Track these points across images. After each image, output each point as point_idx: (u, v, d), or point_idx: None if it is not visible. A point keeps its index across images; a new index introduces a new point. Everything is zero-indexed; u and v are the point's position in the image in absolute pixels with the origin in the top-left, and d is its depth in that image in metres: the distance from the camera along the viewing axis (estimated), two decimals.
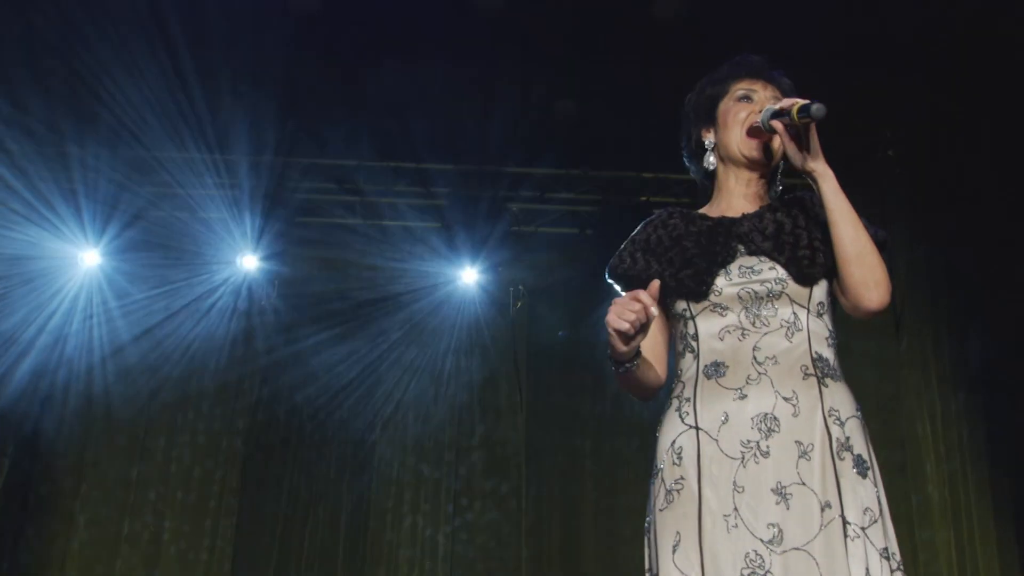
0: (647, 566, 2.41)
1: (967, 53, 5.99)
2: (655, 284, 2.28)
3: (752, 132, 2.54)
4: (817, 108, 2.27)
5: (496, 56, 6.43)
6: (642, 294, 2.23)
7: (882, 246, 2.43)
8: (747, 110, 2.57)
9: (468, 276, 7.65)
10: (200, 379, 7.65)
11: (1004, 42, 5.89)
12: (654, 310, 2.27)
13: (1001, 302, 6.59)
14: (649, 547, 2.39)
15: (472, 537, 7.66)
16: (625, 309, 2.23)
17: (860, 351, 6.80)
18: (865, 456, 2.33)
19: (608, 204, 7.48)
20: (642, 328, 2.27)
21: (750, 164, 2.58)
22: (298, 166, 7.50)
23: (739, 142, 2.56)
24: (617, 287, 2.65)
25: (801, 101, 2.32)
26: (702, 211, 2.65)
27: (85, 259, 7.38)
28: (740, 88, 2.61)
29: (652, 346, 2.56)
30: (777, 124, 2.39)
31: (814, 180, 2.39)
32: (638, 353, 2.40)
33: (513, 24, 6.19)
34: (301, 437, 7.84)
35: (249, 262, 7.52)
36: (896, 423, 7.09)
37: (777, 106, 2.42)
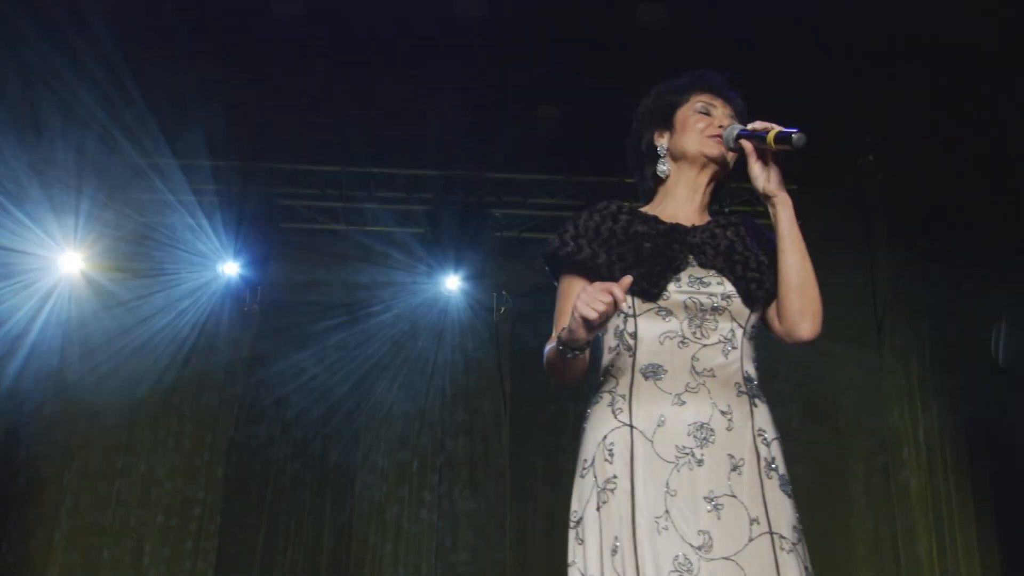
0: (572, 559, 2.39)
1: (947, 58, 6.02)
2: (627, 280, 2.26)
3: (713, 138, 2.57)
4: (799, 138, 2.31)
5: (478, 61, 6.42)
6: (615, 288, 2.22)
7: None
8: (705, 122, 2.61)
9: (451, 282, 7.66)
10: (182, 382, 7.63)
11: (985, 47, 5.93)
12: (624, 305, 2.30)
13: (980, 304, 6.65)
14: (579, 543, 2.37)
15: (457, 541, 7.66)
16: (596, 299, 2.21)
17: (842, 350, 6.86)
18: (788, 477, 2.38)
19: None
20: (607, 319, 2.26)
21: (705, 166, 2.60)
22: (280, 172, 7.49)
23: (699, 142, 2.59)
24: (549, 269, 2.64)
25: (777, 127, 2.37)
26: (648, 210, 2.66)
27: (64, 263, 7.34)
28: (699, 100, 2.64)
29: None
30: (746, 144, 2.44)
31: (773, 205, 2.44)
32: (589, 342, 2.37)
33: (495, 29, 6.20)
34: (283, 446, 7.82)
35: (230, 269, 7.49)
36: (877, 420, 7.13)
37: (749, 127, 2.46)
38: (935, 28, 5.94)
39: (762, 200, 2.48)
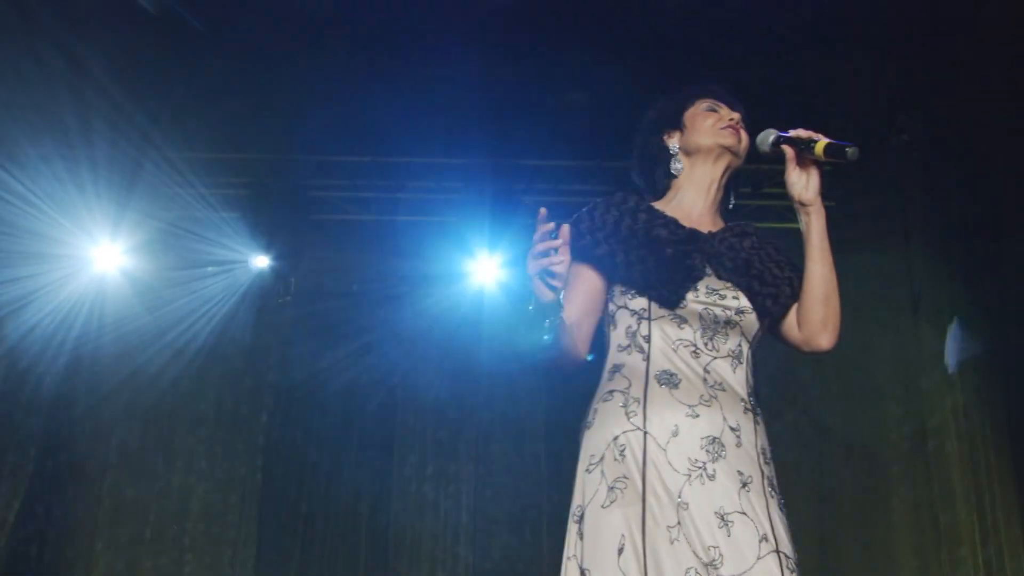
0: (571, 553, 2.40)
1: (983, 35, 5.94)
2: (565, 228, 2.28)
3: (725, 128, 2.60)
4: (853, 152, 2.33)
5: (507, 48, 6.40)
6: (559, 245, 2.23)
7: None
8: (715, 117, 2.64)
9: (484, 271, 7.64)
10: (217, 374, 7.68)
11: (1020, 23, 5.85)
12: (637, 304, 2.35)
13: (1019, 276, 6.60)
14: (582, 539, 2.38)
15: (491, 531, 7.67)
16: (544, 261, 2.22)
17: (878, 338, 6.80)
18: (783, 497, 2.41)
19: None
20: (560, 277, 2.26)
21: (720, 156, 2.62)
22: (310, 163, 7.50)
23: (714, 134, 2.62)
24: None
25: (826, 138, 2.38)
26: (663, 208, 2.65)
27: (98, 259, 7.41)
28: (706, 103, 2.68)
29: (582, 315, 2.54)
30: (788, 149, 2.45)
31: (807, 213, 2.48)
32: (560, 305, 2.33)
33: (524, 15, 6.17)
34: (319, 428, 7.85)
35: (261, 262, 7.51)
36: (917, 412, 7.07)
37: (791, 133, 2.46)
38: (970, 4, 5.87)
39: (795, 207, 2.50)
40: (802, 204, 2.47)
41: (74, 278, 7.33)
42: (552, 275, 2.25)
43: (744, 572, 2.22)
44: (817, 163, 2.42)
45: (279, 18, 6.19)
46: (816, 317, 2.47)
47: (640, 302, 2.49)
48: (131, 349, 7.47)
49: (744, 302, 2.48)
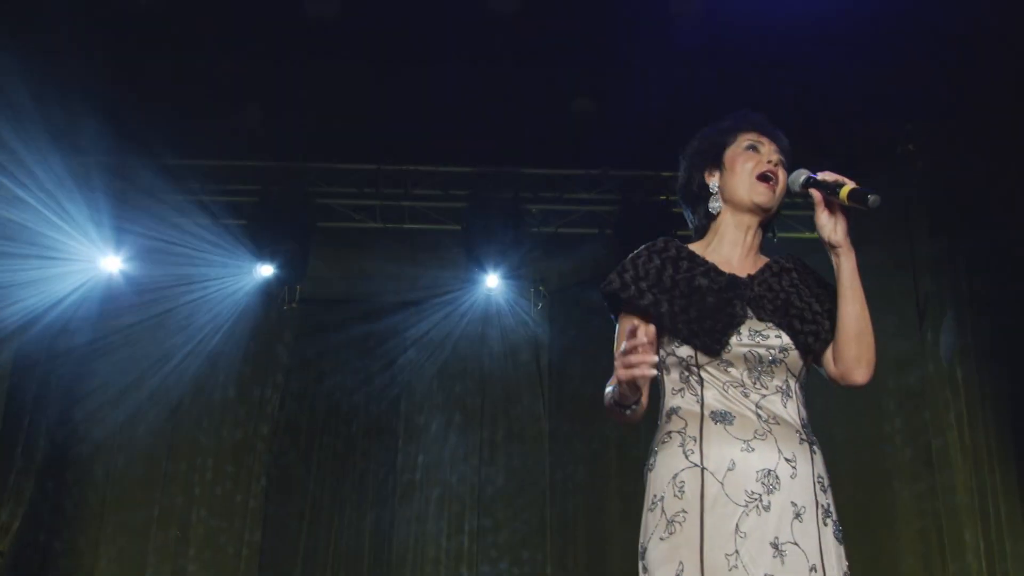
0: None
1: (989, 45, 5.95)
2: (651, 330, 2.36)
3: (762, 178, 2.64)
4: (874, 199, 2.38)
5: (512, 56, 6.42)
6: (646, 356, 2.31)
7: None
8: (754, 160, 2.67)
9: (490, 279, 7.64)
10: (222, 388, 7.69)
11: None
12: (653, 370, 2.34)
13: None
14: (645, 572, 2.46)
15: (498, 533, 7.67)
16: (632, 366, 2.31)
17: (883, 345, 6.78)
18: (839, 523, 2.48)
19: (628, 204, 7.45)
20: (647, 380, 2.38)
21: (755, 210, 2.67)
22: (316, 171, 7.52)
23: (749, 188, 2.66)
24: (608, 305, 2.72)
25: (851, 183, 2.44)
26: (701, 252, 2.71)
27: (104, 265, 7.43)
28: (747, 139, 2.70)
29: None
30: (815, 193, 2.51)
31: (837, 255, 2.52)
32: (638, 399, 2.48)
33: (529, 24, 6.19)
34: (325, 436, 7.86)
35: (266, 269, 7.52)
36: (921, 416, 7.07)
37: (819, 175, 2.51)
38: (976, 14, 5.87)
39: (826, 248, 2.55)
40: (831, 246, 2.52)
41: (78, 286, 7.34)
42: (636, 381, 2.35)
43: None
44: (843, 207, 2.47)
45: (286, 25, 6.21)
46: (851, 355, 2.53)
47: (686, 350, 2.56)
48: (136, 355, 7.48)
49: (786, 340, 2.55)
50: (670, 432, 2.54)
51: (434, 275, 7.87)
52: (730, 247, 2.70)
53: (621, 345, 2.45)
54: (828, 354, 2.60)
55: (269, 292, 7.71)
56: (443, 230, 7.72)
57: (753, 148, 2.69)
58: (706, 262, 2.67)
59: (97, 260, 7.36)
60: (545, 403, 7.94)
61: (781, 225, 6.57)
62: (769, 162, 2.65)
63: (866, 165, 6.84)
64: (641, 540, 2.49)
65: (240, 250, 7.42)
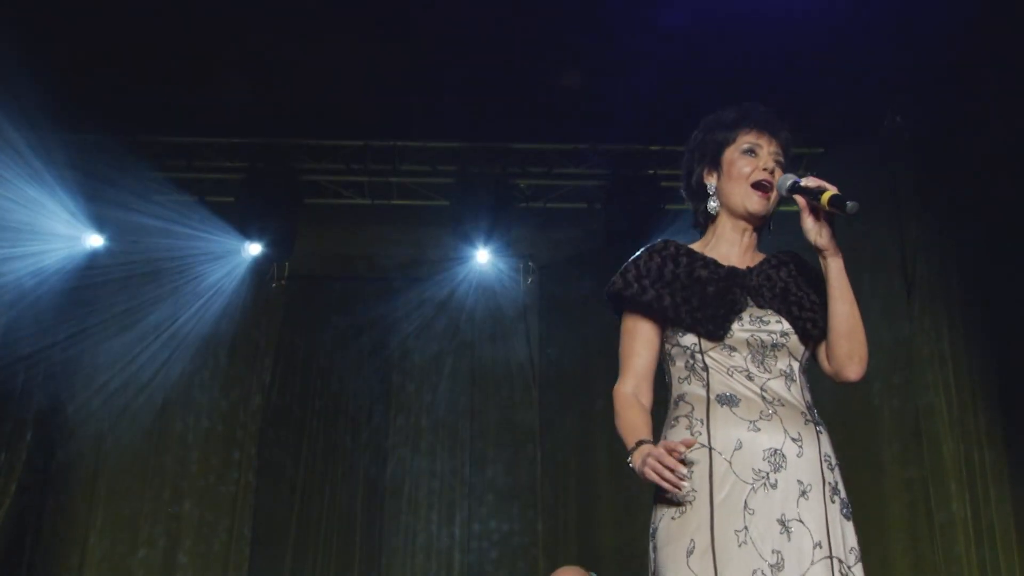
0: (650, 570, 2.55)
1: (979, 17, 5.94)
2: (691, 441, 2.46)
3: (757, 186, 2.70)
4: (852, 206, 2.44)
5: (500, 30, 6.39)
6: (679, 469, 2.37)
7: None
8: (752, 165, 2.71)
9: (479, 254, 7.63)
10: (214, 360, 7.68)
11: (1018, 6, 5.85)
12: (686, 484, 2.43)
13: (1011, 267, 6.63)
14: (655, 552, 2.52)
15: (488, 508, 7.69)
16: (665, 471, 2.37)
17: (871, 319, 6.79)
18: (848, 500, 2.56)
19: (617, 178, 7.44)
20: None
21: (749, 217, 2.74)
22: (303, 147, 7.49)
23: (743, 196, 2.71)
24: (612, 305, 2.80)
25: (831, 188, 2.51)
26: (700, 250, 2.78)
27: (90, 243, 7.41)
28: (746, 141, 2.74)
29: (647, 368, 2.73)
30: (800, 199, 2.58)
31: (824, 257, 2.60)
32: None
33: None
34: (315, 414, 7.86)
35: (254, 247, 7.50)
36: (910, 391, 7.10)
37: (803, 182, 2.59)
38: None
39: (814, 250, 2.63)
40: (817, 249, 2.60)
41: (61, 263, 7.32)
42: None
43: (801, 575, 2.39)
44: (827, 212, 2.53)
45: (273, 2, 6.17)
46: (842, 352, 2.61)
47: (690, 338, 2.64)
48: (124, 335, 7.47)
49: (787, 325, 2.63)
50: (678, 417, 2.62)
51: (423, 251, 7.87)
52: (728, 246, 2.77)
53: (632, 346, 2.68)
54: (822, 350, 2.68)
55: (257, 270, 7.69)
56: (431, 206, 7.70)
57: (751, 152, 2.73)
58: (705, 257, 2.75)
59: (83, 239, 7.33)
60: (535, 378, 7.95)
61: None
62: (765, 169, 2.70)
63: (853, 138, 6.86)
64: (652, 521, 2.57)
65: (227, 228, 7.40)
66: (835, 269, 2.59)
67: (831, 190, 2.50)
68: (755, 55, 5.96)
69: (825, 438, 2.58)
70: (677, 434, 2.57)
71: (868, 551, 2.55)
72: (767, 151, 2.72)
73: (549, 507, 7.71)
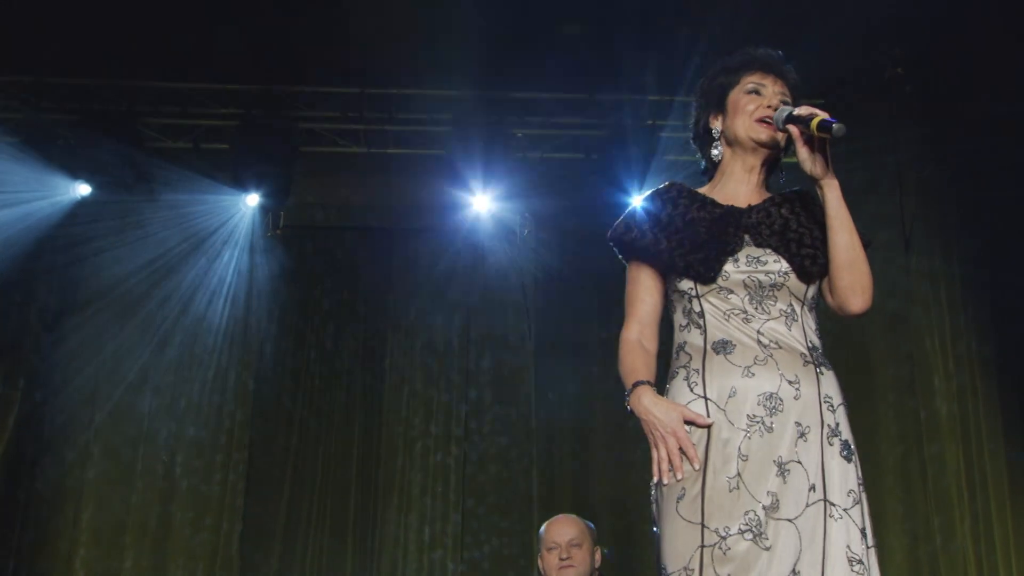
0: (653, 524, 2.58)
1: None
2: (694, 460, 2.47)
3: (761, 121, 2.67)
4: (838, 128, 2.41)
5: None
6: (688, 458, 2.47)
7: (866, 247, 2.62)
8: (755, 103, 2.70)
9: (475, 203, 7.60)
10: (207, 315, 7.66)
11: None
12: (687, 285, 2.58)
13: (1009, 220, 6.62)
14: (655, 505, 2.57)
15: (483, 464, 7.72)
16: (663, 458, 2.50)
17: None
18: (851, 442, 2.53)
19: (615, 128, 7.38)
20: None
21: (755, 149, 2.71)
22: (300, 95, 7.43)
23: (747, 127, 2.69)
24: (616, 250, 2.81)
25: (821, 113, 2.47)
26: (707, 192, 2.77)
27: (78, 190, 7.36)
28: (751, 81, 2.74)
29: (651, 314, 2.75)
30: (793, 128, 2.56)
31: (820, 187, 2.57)
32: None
33: None
34: (309, 368, 7.86)
35: (252, 198, 7.47)
36: (904, 339, 7.12)
37: (796, 111, 2.57)
38: None
39: (810, 182, 2.61)
40: (813, 179, 2.57)
41: (51, 211, 7.29)
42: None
43: (795, 518, 2.41)
44: (821, 139, 2.50)
45: None
46: (844, 283, 2.56)
47: (686, 283, 2.64)
48: (118, 286, 7.45)
49: (784, 265, 2.60)
50: (677, 368, 2.64)
51: (419, 201, 7.83)
52: (735, 185, 2.76)
53: (635, 292, 2.72)
54: (826, 284, 2.64)
55: (252, 218, 7.67)
56: (428, 155, 7.66)
57: (755, 91, 2.72)
58: (705, 197, 2.74)
59: (71, 187, 7.31)
60: (531, 328, 7.94)
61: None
62: (770, 106, 2.67)
63: (853, 89, 6.81)
64: (655, 476, 2.58)
65: (221, 174, 7.37)
66: (832, 198, 2.55)
67: (820, 115, 2.47)
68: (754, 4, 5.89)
69: (828, 379, 2.56)
70: (677, 386, 2.59)
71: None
72: (772, 90, 2.71)
73: (544, 464, 7.70)
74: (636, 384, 2.61)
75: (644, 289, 2.74)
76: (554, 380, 7.79)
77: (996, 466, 6.67)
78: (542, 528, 4.83)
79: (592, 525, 4.83)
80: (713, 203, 2.71)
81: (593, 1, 6.49)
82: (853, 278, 2.56)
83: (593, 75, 7.18)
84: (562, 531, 4.69)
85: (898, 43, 6.84)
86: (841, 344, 6.95)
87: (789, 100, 2.70)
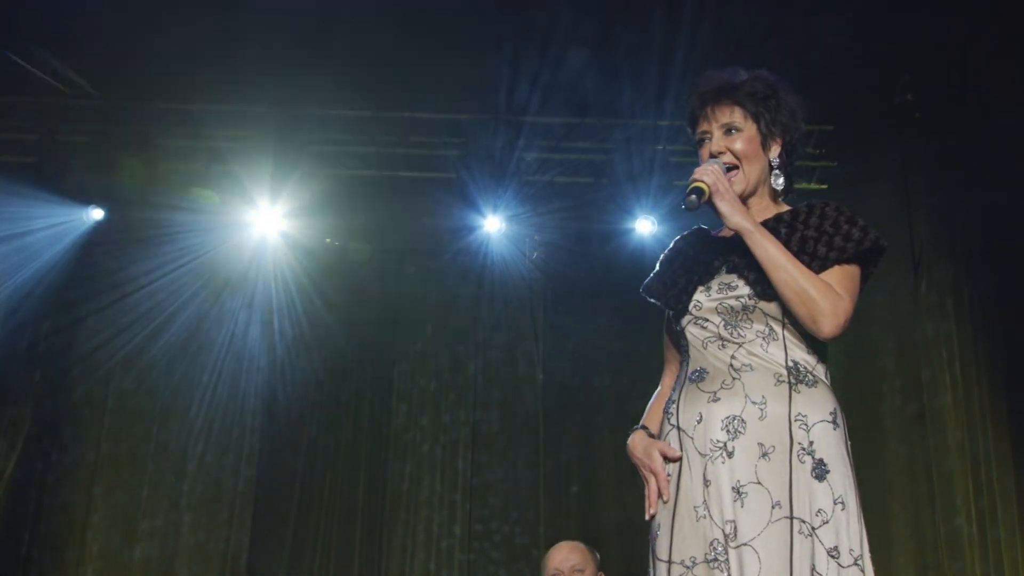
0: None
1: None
2: (665, 494, 2.58)
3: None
4: (683, 204, 2.55)
5: (508, 2, 6.36)
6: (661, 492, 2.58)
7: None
8: (704, 156, 2.71)
9: (485, 225, 7.61)
10: (217, 338, 7.67)
11: None
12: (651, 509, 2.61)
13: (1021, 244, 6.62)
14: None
15: (491, 479, 7.69)
16: (652, 490, 2.61)
17: (877, 295, 6.80)
18: (827, 460, 2.47)
19: (625, 153, 7.40)
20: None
21: None
22: (311, 117, 7.46)
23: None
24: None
25: (693, 182, 2.57)
26: (716, 232, 2.82)
27: (90, 215, 7.45)
28: (700, 130, 2.74)
29: (671, 353, 2.88)
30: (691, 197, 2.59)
31: (737, 232, 2.58)
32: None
33: None
34: (318, 393, 7.85)
35: (265, 216, 7.50)
36: (913, 361, 7.09)
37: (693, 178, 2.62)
38: None
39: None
40: (732, 229, 2.61)
41: (61, 237, 7.34)
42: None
43: (753, 539, 2.39)
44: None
45: None
46: (800, 315, 2.51)
47: (672, 316, 2.74)
48: (127, 299, 7.48)
49: (747, 288, 2.59)
50: (668, 400, 2.72)
51: (428, 224, 7.83)
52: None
53: (665, 337, 2.88)
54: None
55: (264, 242, 7.70)
56: (438, 178, 7.68)
57: (701, 142, 2.73)
58: (707, 232, 2.82)
59: (84, 211, 7.39)
60: (540, 354, 7.92)
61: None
62: (712, 155, 2.68)
63: (863, 115, 6.83)
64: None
65: (234, 198, 7.40)
66: (751, 244, 2.53)
67: (691, 184, 2.56)
68: (763, 30, 5.92)
69: (803, 396, 2.51)
70: (663, 418, 2.69)
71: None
72: (714, 128, 2.69)
73: (553, 480, 7.68)
74: (634, 429, 2.75)
75: (665, 330, 2.88)
76: (563, 397, 7.78)
77: (1004, 488, 6.64)
78: (545, 556, 4.84)
79: (596, 553, 4.82)
80: (704, 235, 2.81)
81: (603, 26, 6.53)
82: (806, 309, 2.48)
83: (601, 100, 7.20)
84: (564, 558, 4.71)
85: (908, 68, 6.86)
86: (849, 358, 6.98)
87: (735, 121, 2.67)
